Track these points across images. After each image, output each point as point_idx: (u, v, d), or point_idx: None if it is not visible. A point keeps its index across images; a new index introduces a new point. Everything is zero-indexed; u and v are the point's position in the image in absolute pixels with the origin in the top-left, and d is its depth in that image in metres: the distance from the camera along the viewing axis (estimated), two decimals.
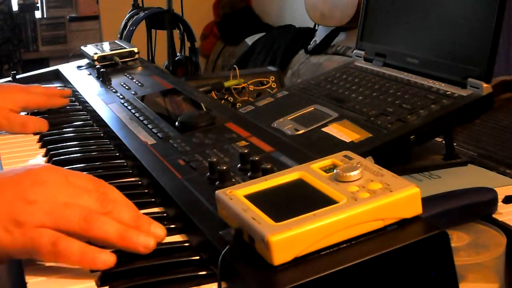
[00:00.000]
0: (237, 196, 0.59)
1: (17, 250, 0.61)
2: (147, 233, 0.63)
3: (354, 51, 1.22)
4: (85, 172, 0.73)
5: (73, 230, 0.61)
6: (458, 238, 0.71)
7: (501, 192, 0.81)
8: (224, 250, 0.55)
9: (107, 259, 0.60)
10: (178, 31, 2.11)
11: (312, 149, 0.82)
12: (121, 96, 1.13)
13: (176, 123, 0.92)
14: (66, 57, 1.64)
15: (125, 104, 1.07)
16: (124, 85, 1.20)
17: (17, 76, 1.37)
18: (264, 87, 1.44)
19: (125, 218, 0.64)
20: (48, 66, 1.65)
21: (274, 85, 1.45)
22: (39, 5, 4.10)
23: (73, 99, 1.23)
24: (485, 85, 0.93)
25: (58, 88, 1.29)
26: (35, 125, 1.06)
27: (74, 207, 0.62)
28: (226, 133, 0.87)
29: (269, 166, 0.68)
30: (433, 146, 1.03)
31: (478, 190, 0.79)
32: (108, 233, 0.62)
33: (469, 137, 1.12)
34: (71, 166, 0.86)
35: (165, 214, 0.72)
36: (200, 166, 0.76)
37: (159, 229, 0.64)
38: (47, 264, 0.63)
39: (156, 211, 0.74)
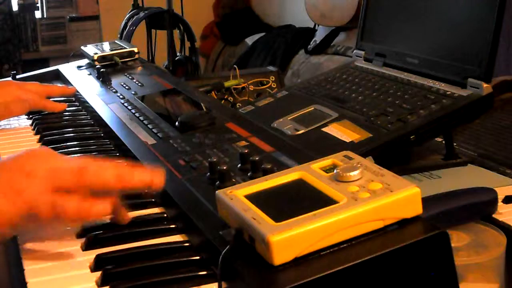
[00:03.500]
0: (237, 196, 0.59)
1: (20, 217, 0.64)
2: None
3: (354, 51, 1.22)
4: None
5: (70, 185, 0.65)
6: (458, 238, 0.71)
7: (501, 192, 0.81)
8: (225, 250, 0.55)
9: (102, 208, 0.65)
10: (178, 31, 2.11)
11: (312, 149, 0.82)
12: (121, 96, 1.13)
13: (176, 123, 0.92)
14: (66, 57, 1.64)
15: (125, 104, 1.07)
16: (124, 85, 1.20)
17: (17, 76, 1.37)
18: (264, 87, 1.44)
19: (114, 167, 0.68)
20: (48, 66, 1.65)
21: (274, 85, 1.45)
22: (39, 5, 4.09)
23: (73, 99, 1.23)
24: (485, 85, 0.93)
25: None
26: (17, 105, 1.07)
27: (67, 167, 0.66)
28: (226, 133, 0.87)
29: (269, 166, 0.68)
30: (433, 146, 1.03)
31: (478, 190, 0.79)
32: (104, 177, 0.66)
33: (469, 137, 1.12)
34: None
35: (165, 214, 0.72)
36: (200, 166, 0.76)
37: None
38: (47, 264, 0.63)
39: (156, 211, 0.74)
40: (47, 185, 0.65)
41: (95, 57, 1.37)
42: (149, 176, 0.67)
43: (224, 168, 0.69)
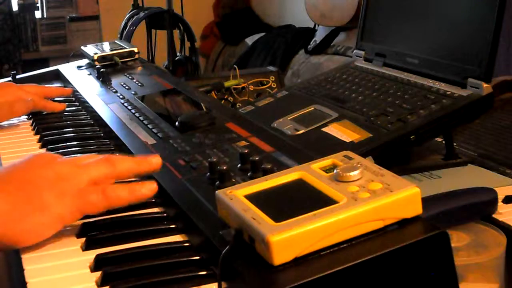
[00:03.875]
0: (237, 196, 0.59)
1: (73, 215, 0.66)
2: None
3: (354, 51, 1.22)
4: None
5: (107, 174, 0.70)
6: (458, 238, 0.71)
7: (501, 192, 0.81)
8: (224, 250, 0.55)
9: (152, 186, 0.70)
10: (178, 31, 2.11)
11: (312, 149, 0.82)
12: (121, 96, 1.13)
13: (176, 123, 0.92)
14: (66, 57, 1.64)
15: (125, 104, 1.07)
16: (124, 85, 1.20)
17: (17, 76, 1.37)
18: (264, 87, 1.44)
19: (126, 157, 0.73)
20: (48, 66, 1.65)
21: (274, 85, 1.45)
22: (39, 5, 4.09)
23: (73, 99, 1.23)
24: (485, 85, 0.93)
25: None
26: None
27: (94, 162, 0.70)
28: (226, 133, 0.87)
29: (269, 166, 0.68)
30: (433, 146, 1.03)
31: (478, 190, 0.79)
32: (128, 163, 0.72)
33: (469, 137, 1.12)
34: None
35: (165, 214, 0.72)
36: (200, 166, 0.76)
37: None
38: (48, 264, 0.63)
39: (156, 211, 0.74)
40: (89, 180, 0.68)
41: (95, 57, 1.37)
42: (155, 185, 0.71)
43: (224, 168, 0.69)
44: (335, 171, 0.60)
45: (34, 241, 0.64)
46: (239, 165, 0.73)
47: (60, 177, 0.67)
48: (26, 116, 1.16)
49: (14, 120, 1.15)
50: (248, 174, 0.70)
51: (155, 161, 0.73)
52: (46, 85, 1.27)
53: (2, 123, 1.12)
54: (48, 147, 0.97)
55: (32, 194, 0.65)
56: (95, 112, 1.08)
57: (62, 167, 0.68)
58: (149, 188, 0.70)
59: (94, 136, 1.02)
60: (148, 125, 0.95)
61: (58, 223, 0.66)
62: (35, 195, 0.65)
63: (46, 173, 0.67)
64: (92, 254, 0.64)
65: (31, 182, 0.66)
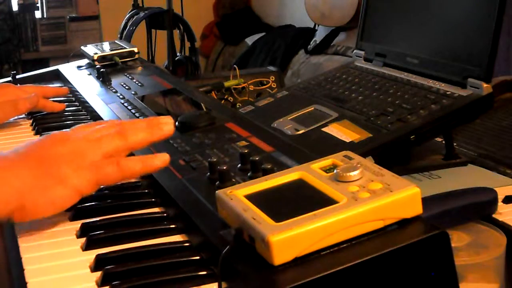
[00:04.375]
0: (237, 196, 0.59)
1: (89, 187, 0.69)
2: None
3: (354, 51, 1.22)
4: None
5: (119, 147, 0.73)
6: (458, 238, 0.71)
7: (501, 192, 0.81)
8: (225, 250, 0.55)
9: (164, 157, 0.72)
10: (178, 31, 2.11)
11: (312, 149, 0.82)
12: (121, 96, 1.13)
13: (176, 123, 0.92)
14: (66, 57, 1.64)
15: (125, 104, 1.07)
16: (124, 85, 1.20)
17: (17, 76, 1.37)
18: (264, 87, 1.44)
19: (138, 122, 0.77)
20: (48, 66, 1.65)
21: (274, 85, 1.45)
22: (39, 5, 4.10)
23: (73, 99, 1.23)
24: (485, 85, 0.93)
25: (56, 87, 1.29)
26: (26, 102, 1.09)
27: (107, 134, 0.74)
28: (226, 133, 0.87)
29: (269, 166, 0.68)
30: (433, 146, 1.03)
31: (478, 190, 0.79)
32: (140, 131, 0.74)
33: (469, 137, 1.12)
34: None
35: (165, 214, 0.72)
36: (200, 166, 0.76)
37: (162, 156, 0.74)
38: (48, 264, 0.63)
39: (156, 211, 0.74)
40: (103, 154, 0.71)
41: (95, 57, 1.37)
42: (167, 156, 0.74)
43: (224, 168, 0.69)
44: (335, 171, 0.60)
45: (53, 211, 0.68)
46: (239, 165, 0.73)
47: (75, 153, 0.70)
48: (26, 116, 1.16)
49: (14, 120, 1.15)
50: (248, 174, 0.70)
51: (166, 129, 0.76)
52: (43, 85, 1.27)
53: (6, 122, 1.12)
54: None
55: (51, 169, 0.68)
56: (95, 112, 1.08)
57: (76, 143, 0.72)
58: (162, 160, 0.72)
59: None
60: None
61: (76, 195, 0.69)
62: (54, 170, 0.68)
63: (62, 150, 0.70)
64: (92, 254, 0.64)
65: (49, 158, 0.69)
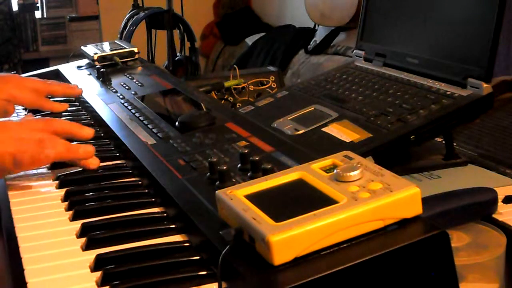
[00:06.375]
0: (237, 196, 0.59)
1: (10, 156, 0.78)
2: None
3: (354, 51, 1.22)
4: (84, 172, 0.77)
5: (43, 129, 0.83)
6: (458, 238, 0.71)
7: (501, 192, 0.81)
8: (225, 250, 0.55)
9: (89, 148, 0.84)
10: (178, 31, 2.11)
11: (312, 149, 0.82)
12: (121, 96, 1.13)
13: (176, 123, 0.92)
14: (66, 57, 1.64)
15: (125, 104, 1.07)
16: (124, 85, 1.20)
17: None
18: (264, 87, 1.44)
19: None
20: (48, 66, 1.65)
21: (274, 85, 1.45)
22: (39, 5, 4.09)
23: (73, 99, 1.23)
24: (485, 85, 0.93)
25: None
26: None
27: (35, 120, 0.86)
28: (226, 133, 0.87)
29: (269, 166, 0.68)
30: (433, 146, 1.03)
31: (478, 190, 0.79)
32: (57, 150, 0.81)
33: (469, 137, 1.12)
34: (71, 167, 0.86)
35: (165, 214, 0.72)
36: (200, 166, 0.76)
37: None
38: (48, 264, 0.63)
39: (156, 211, 0.74)
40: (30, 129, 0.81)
41: (95, 57, 1.37)
42: (92, 148, 0.85)
43: (224, 168, 0.69)
44: (335, 171, 0.60)
45: None
46: (239, 165, 0.73)
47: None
48: (26, 116, 1.15)
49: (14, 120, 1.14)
50: (248, 174, 0.70)
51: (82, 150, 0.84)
52: (56, 82, 1.15)
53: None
54: None
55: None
56: (95, 112, 1.08)
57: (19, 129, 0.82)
58: (86, 150, 0.83)
59: (94, 136, 1.02)
60: (148, 125, 0.95)
61: None
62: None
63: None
64: (92, 254, 0.64)
65: None
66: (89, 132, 0.89)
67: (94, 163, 0.85)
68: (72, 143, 0.84)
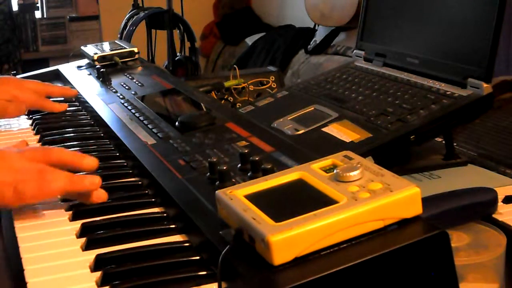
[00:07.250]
0: (237, 196, 0.59)
1: (11, 186, 0.71)
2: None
3: (354, 51, 1.22)
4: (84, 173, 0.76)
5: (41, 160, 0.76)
6: (458, 238, 0.71)
7: (501, 192, 0.81)
8: (224, 250, 0.55)
9: (94, 179, 0.74)
10: (178, 31, 2.11)
11: (312, 149, 0.82)
12: (121, 96, 1.13)
13: (176, 123, 0.92)
14: (66, 57, 1.64)
15: (125, 104, 1.07)
16: (124, 85, 1.20)
17: (17, 76, 1.37)
18: (264, 87, 1.44)
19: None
20: (48, 66, 1.65)
21: (274, 85, 1.45)
22: (39, 5, 4.09)
23: (73, 99, 1.23)
24: (485, 85, 0.93)
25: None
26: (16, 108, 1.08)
27: (33, 148, 0.81)
28: (226, 133, 0.87)
29: (269, 166, 0.68)
30: (433, 146, 1.03)
31: (478, 190, 0.79)
32: (64, 153, 0.78)
33: (469, 137, 1.12)
34: None
35: (165, 214, 0.72)
36: (200, 166, 0.76)
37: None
38: (48, 264, 0.63)
39: (156, 211, 0.74)
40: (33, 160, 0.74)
41: (95, 57, 1.37)
42: (99, 179, 0.75)
43: (224, 168, 0.69)
44: (335, 171, 0.60)
45: None
46: (239, 165, 0.73)
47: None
48: (26, 116, 1.15)
49: (15, 120, 1.14)
50: (248, 174, 0.70)
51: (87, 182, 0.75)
52: (51, 84, 1.23)
53: (1, 122, 1.11)
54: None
55: None
56: (95, 112, 1.08)
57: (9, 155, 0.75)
58: (91, 180, 0.74)
59: (94, 136, 1.02)
60: (148, 125, 0.95)
61: None
62: None
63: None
64: (92, 254, 0.64)
65: None
66: (90, 162, 0.79)
67: (102, 197, 0.74)
68: (76, 173, 0.76)
